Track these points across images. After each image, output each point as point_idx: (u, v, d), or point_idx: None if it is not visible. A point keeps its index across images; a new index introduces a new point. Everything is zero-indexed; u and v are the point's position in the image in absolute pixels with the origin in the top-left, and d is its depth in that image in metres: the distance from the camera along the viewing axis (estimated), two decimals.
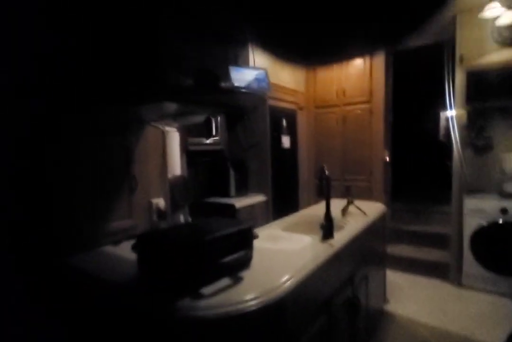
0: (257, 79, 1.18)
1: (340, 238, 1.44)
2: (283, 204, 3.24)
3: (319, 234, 1.45)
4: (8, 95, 1.13)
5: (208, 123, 2.54)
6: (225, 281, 1.00)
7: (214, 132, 2.64)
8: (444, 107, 3.31)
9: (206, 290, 0.94)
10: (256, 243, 1.37)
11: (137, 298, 0.97)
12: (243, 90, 1.07)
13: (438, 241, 3.18)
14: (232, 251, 1.05)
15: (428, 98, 4.72)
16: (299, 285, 1.02)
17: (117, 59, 1.07)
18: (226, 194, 2.88)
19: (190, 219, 1.98)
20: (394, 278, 2.92)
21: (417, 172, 5.01)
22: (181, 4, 0.94)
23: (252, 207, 2.81)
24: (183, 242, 0.96)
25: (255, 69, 1.20)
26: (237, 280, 1.01)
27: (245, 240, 1.10)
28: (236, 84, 1.09)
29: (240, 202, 2.70)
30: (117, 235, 1.50)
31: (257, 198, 2.94)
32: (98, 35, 1.13)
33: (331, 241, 1.39)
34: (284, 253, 1.26)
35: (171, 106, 1.03)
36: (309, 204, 3.52)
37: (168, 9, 0.91)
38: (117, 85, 1.08)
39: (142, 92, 0.94)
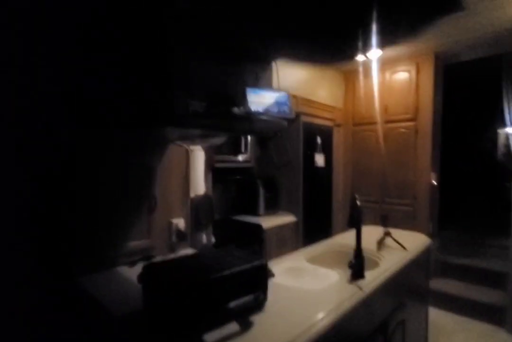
0: (277, 103, 1.07)
1: (372, 278, 1.26)
2: (315, 225, 3.05)
3: (348, 269, 1.28)
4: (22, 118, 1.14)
5: (236, 140, 2.48)
6: (233, 327, 0.88)
7: (243, 150, 2.57)
8: (503, 124, 2.95)
9: (210, 336, 0.84)
10: (275, 277, 1.25)
11: (135, 337, 0.89)
12: (260, 116, 0.97)
13: (494, 280, 2.76)
14: (242, 291, 0.94)
15: (484, 115, 4.29)
16: (320, 335, 0.88)
17: (118, 74, 1.02)
18: (255, 213, 2.78)
19: (212, 240, 1.91)
20: (439, 318, 2.57)
21: (470, 196, 4.50)
22: (190, 17, 0.85)
23: (280, 227, 2.67)
24: (184, 280, 0.87)
25: (275, 91, 1.10)
26: (246, 325, 0.89)
27: (258, 279, 0.99)
28: (253, 108, 1.00)
29: (268, 222, 2.58)
30: (134, 255, 1.46)
31: (287, 218, 2.79)
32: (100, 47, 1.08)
33: (361, 282, 1.21)
34: (304, 293, 1.12)
35: (183, 131, 0.97)
36: (343, 226, 3.28)
37: (174, 23, 0.83)
38: (116, 107, 1.04)
39: (144, 116, 0.88)
